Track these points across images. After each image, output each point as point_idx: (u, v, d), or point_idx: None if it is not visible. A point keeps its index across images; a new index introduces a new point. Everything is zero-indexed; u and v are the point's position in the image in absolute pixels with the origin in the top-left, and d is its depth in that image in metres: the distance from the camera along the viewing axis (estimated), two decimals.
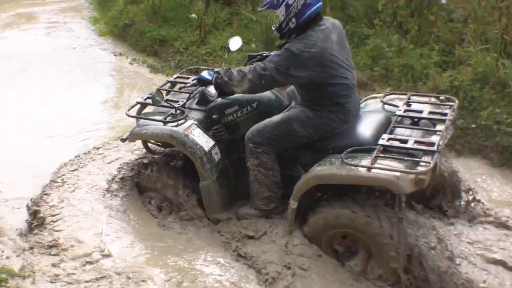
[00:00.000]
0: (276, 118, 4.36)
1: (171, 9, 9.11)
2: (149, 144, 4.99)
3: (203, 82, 4.61)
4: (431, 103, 4.38)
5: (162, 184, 4.77)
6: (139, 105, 4.84)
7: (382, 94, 4.76)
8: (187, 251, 4.31)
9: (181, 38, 8.36)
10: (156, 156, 5.03)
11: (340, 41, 4.12)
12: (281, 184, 4.28)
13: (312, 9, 4.01)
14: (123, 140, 5.02)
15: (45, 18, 11.52)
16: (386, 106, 4.46)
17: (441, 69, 6.02)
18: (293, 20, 4.04)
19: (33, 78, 7.99)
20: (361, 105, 4.58)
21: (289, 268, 3.95)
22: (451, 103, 4.30)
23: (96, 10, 11.63)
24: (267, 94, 4.61)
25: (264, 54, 4.68)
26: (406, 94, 4.56)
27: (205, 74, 4.54)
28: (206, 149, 4.50)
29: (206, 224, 4.59)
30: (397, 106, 4.34)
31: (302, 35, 4.03)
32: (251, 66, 4.16)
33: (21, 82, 7.86)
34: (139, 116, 4.83)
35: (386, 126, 4.09)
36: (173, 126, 4.53)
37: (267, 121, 4.38)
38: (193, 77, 5.05)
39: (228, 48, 4.89)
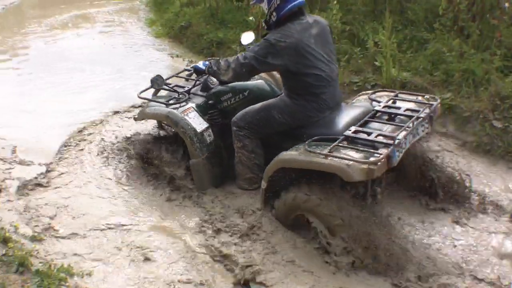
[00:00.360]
0: (259, 104, 4.83)
1: (228, 11, 9.24)
2: (163, 124, 5.59)
3: (198, 72, 5.21)
4: (415, 101, 4.67)
5: (160, 159, 5.38)
6: (152, 89, 5.36)
7: (372, 91, 5.14)
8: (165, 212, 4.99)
9: (238, 40, 8.39)
10: (165, 134, 5.59)
11: (320, 36, 4.52)
12: (264, 167, 4.55)
13: (291, 4, 4.44)
14: (135, 119, 5.64)
15: (101, 19, 11.86)
16: (373, 102, 4.78)
17: (503, 75, 5.95)
18: (274, 14, 4.49)
19: (87, 77, 8.33)
20: (353, 100, 5.13)
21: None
22: (432, 102, 4.58)
23: (152, 12, 11.81)
24: (260, 83, 5.23)
25: None
26: (394, 92, 4.94)
27: (200, 64, 5.14)
28: (198, 130, 5.04)
29: (195, 198, 5.09)
30: (380, 102, 4.72)
31: (282, 27, 4.46)
32: (236, 56, 4.68)
33: (77, 80, 8.22)
34: (147, 98, 5.44)
35: (360, 119, 4.41)
36: (173, 108, 5.11)
37: (251, 107, 4.87)
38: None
39: (240, 42, 5.38)
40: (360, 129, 4.24)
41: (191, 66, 5.62)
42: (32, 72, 8.64)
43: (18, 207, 4.98)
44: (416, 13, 6.91)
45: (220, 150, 5.21)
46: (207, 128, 5.10)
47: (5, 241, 4.14)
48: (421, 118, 4.31)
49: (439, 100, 4.66)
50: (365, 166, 3.83)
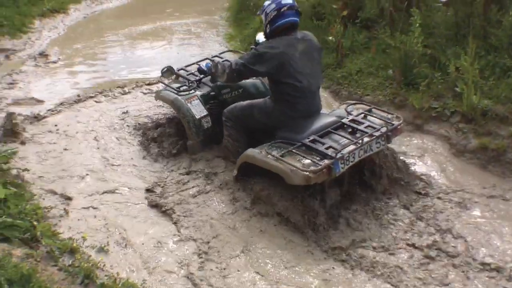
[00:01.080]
0: (247, 101, 5.71)
1: (308, 30, 9.11)
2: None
3: (200, 72, 6.43)
4: (383, 119, 5.30)
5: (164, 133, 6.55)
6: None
7: (352, 102, 5.97)
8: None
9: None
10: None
11: (305, 52, 5.31)
12: None
13: (283, 20, 5.23)
14: (155, 98, 6.78)
15: (178, 31, 12.23)
16: (348, 114, 5.48)
17: None
18: (269, 26, 5.32)
19: None
20: (335, 109, 5.93)
21: None
22: (394, 122, 5.25)
23: (232, 27, 12.06)
24: (256, 83, 6.29)
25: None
26: (369, 106, 5.65)
27: (203, 65, 6.41)
28: (197, 117, 6.01)
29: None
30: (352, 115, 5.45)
31: (272, 40, 5.30)
32: (231, 61, 5.48)
33: None
34: (163, 83, 6.75)
35: (325, 129, 5.16)
36: (181, 95, 6.12)
37: (240, 102, 5.76)
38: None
39: (256, 42, 6.10)
40: (318, 139, 5.01)
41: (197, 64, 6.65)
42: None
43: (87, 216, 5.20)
44: (499, 39, 6.81)
45: (216, 135, 6.07)
46: (205, 116, 6.06)
47: (72, 251, 4.30)
48: (375, 136, 5.00)
49: (401, 121, 5.34)
50: (305, 173, 4.65)
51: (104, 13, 14.51)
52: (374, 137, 5.00)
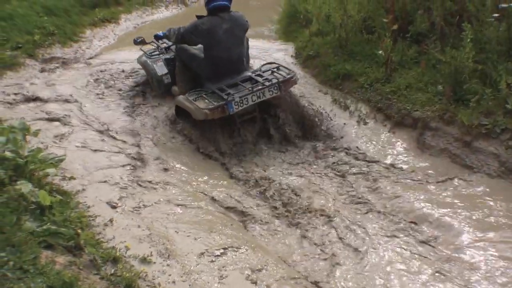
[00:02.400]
0: (193, 52, 7.85)
1: (358, 43, 9.34)
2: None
3: (157, 37, 8.42)
4: (283, 75, 7.46)
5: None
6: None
7: (268, 62, 8.33)
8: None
9: (366, 74, 8.52)
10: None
11: (229, 29, 7.38)
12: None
13: (213, 4, 7.33)
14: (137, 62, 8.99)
15: None
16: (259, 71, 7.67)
17: None
18: (206, 6, 7.41)
19: None
20: (255, 68, 8.05)
21: None
22: (286, 76, 7.41)
23: (281, 39, 12.13)
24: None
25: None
26: (278, 65, 7.83)
27: (160, 33, 8.24)
28: (159, 74, 8.18)
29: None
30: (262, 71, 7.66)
31: (206, 17, 7.40)
32: (180, 27, 7.60)
33: None
34: (141, 49, 8.84)
35: (236, 82, 7.36)
36: (149, 59, 8.40)
37: (190, 49, 7.90)
38: None
39: (156, 35, 8.47)
40: (225, 88, 7.19)
41: (154, 34, 8.48)
42: None
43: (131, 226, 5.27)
44: None
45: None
46: (166, 74, 8.17)
47: (115, 260, 4.34)
48: (265, 86, 7.11)
49: (292, 75, 7.47)
50: (203, 111, 6.86)
51: (154, 23, 14.83)
52: (266, 86, 7.11)
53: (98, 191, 5.83)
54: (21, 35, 10.95)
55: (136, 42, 8.52)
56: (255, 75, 7.42)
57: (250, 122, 7.48)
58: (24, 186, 4.39)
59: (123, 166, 6.55)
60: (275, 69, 7.58)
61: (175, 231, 5.30)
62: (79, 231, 4.42)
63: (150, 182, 6.28)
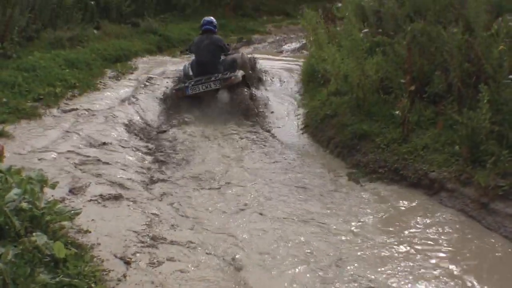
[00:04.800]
0: (192, 59, 12.47)
1: (375, 103, 9.47)
2: None
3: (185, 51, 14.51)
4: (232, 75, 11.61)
5: None
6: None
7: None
8: None
9: (382, 134, 8.62)
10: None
11: (207, 44, 11.71)
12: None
13: (203, 27, 12.10)
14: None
15: None
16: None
17: None
18: (199, 29, 12.60)
19: None
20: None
21: None
22: (232, 78, 11.39)
23: (303, 98, 12.27)
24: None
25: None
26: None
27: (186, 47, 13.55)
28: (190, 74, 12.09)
29: None
30: None
31: (199, 36, 12.21)
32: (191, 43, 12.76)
33: None
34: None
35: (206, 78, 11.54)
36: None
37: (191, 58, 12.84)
38: None
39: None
40: (194, 82, 11.24)
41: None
42: None
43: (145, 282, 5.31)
44: None
45: None
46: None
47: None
48: (211, 80, 11.20)
49: (232, 76, 11.36)
50: (173, 92, 11.62)
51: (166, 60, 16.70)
52: (211, 80, 11.15)
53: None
54: (42, 86, 11.21)
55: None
56: (219, 76, 11.31)
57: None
58: (40, 238, 4.51)
59: None
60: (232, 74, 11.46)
61: None
62: (93, 285, 4.54)
63: None
